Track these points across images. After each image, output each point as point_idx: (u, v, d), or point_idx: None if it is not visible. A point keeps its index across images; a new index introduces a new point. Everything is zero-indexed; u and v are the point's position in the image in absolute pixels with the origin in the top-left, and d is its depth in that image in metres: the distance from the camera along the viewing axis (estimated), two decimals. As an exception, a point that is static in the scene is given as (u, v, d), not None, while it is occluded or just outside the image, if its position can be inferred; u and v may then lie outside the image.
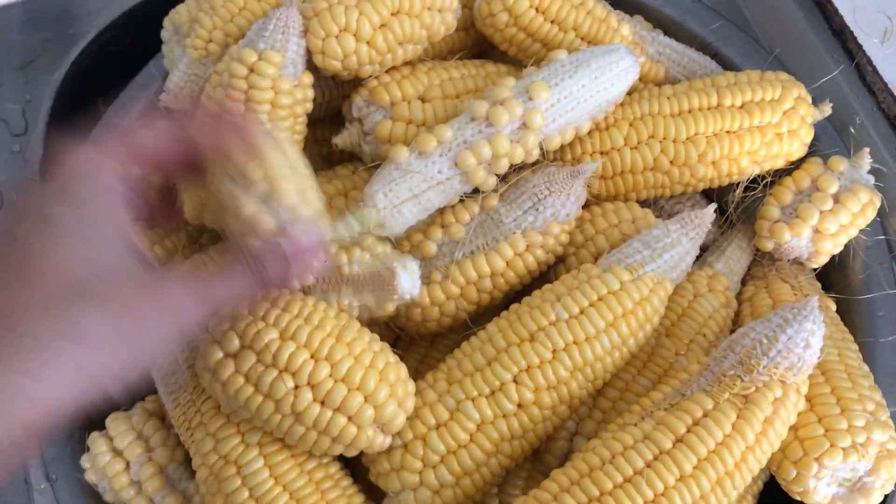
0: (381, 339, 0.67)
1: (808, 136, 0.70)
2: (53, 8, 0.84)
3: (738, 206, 0.71)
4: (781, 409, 0.54)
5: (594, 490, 0.51)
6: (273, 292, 0.57)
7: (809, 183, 0.69)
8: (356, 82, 0.69)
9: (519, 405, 0.57)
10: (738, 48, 0.79)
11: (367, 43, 0.63)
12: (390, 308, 0.61)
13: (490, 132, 0.61)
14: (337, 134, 0.69)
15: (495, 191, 0.64)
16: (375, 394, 0.55)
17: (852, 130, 0.74)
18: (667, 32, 0.80)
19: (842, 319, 0.69)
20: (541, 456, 0.63)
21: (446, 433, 0.56)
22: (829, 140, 0.74)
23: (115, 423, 0.62)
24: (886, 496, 0.58)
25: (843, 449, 0.56)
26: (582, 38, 0.70)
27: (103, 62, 0.84)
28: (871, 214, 0.69)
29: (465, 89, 0.68)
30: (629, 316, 0.59)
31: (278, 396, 0.54)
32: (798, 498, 0.58)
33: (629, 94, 0.69)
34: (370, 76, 0.67)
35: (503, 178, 0.65)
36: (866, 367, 0.63)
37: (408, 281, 0.60)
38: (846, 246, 0.70)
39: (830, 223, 0.68)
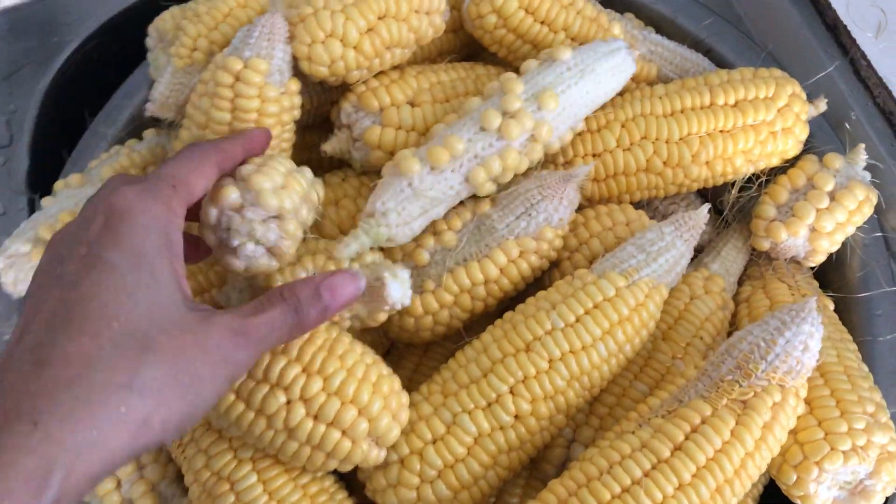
0: (374, 349, 0.67)
1: (802, 133, 0.69)
2: (36, 16, 0.83)
3: (734, 206, 0.70)
4: (780, 413, 0.54)
5: (592, 501, 0.50)
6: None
7: (805, 181, 0.68)
8: (345, 87, 0.68)
9: (516, 416, 0.56)
10: (731, 44, 0.78)
11: (354, 48, 0.62)
12: (382, 318, 0.60)
13: (501, 146, 0.60)
14: (326, 140, 0.68)
15: (487, 196, 0.63)
16: (369, 407, 0.54)
17: (847, 126, 0.73)
18: (658, 29, 0.80)
19: (840, 318, 0.68)
20: (538, 464, 0.62)
21: (443, 447, 0.55)
22: (825, 136, 0.74)
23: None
24: (888, 498, 0.57)
25: (844, 452, 0.56)
26: (573, 39, 0.69)
27: (88, 71, 0.83)
28: (867, 211, 0.68)
29: (455, 93, 0.67)
30: (625, 323, 0.58)
31: (270, 412, 0.53)
32: (799, 502, 0.57)
33: (621, 94, 0.68)
34: (358, 81, 0.66)
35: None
36: (865, 368, 0.62)
37: (399, 290, 0.59)
38: (843, 244, 0.69)
39: (827, 221, 0.67)
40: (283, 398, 0.53)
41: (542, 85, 0.61)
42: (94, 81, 0.80)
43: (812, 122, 0.71)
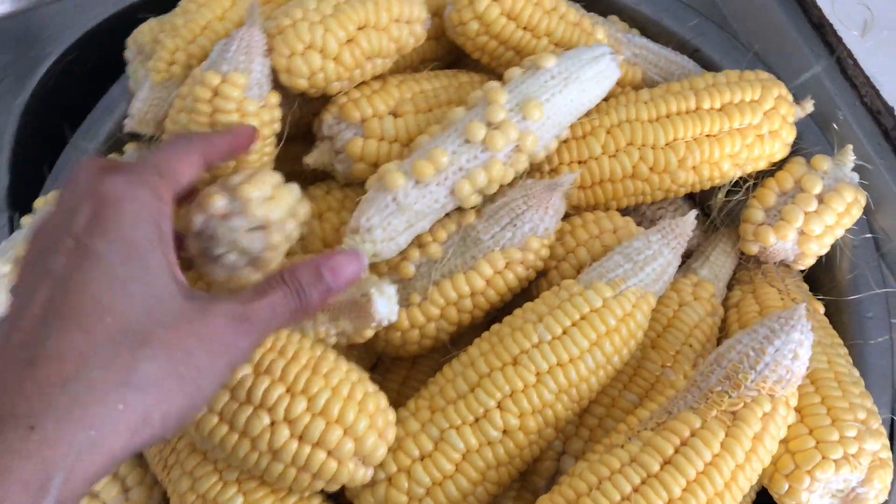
0: (361, 363, 0.67)
1: (790, 136, 0.68)
2: (13, 30, 0.81)
3: (722, 210, 0.70)
4: (771, 424, 0.53)
5: (582, 518, 0.50)
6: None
7: (793, 184, 0.68)
8: (327, 98, 0.67)
9: (504, 431, 0.56)
10: (717, 45, 0.78)
11: (334, 59, 0.62)
12: (368, 334, 0.59)
13: (486, 157, 0.59)
14: (308, 152, 0.68)
15: (472, 207, 0.63)
16: (355, 426, 0.53)
17: (835, 127, 0.72)
18: (643, 31, 0.79)
19: (831, 321, 0.68)
20: (528, 477, 0.61)
21: (431, 465, 0.55)
22: (812, 137, 0.73)
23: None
24: (880, 505, 0.57)
25: (835, 461, 0.55)
26: (556, 44, 0.68)
27: (68, 84, 0.82)
28: (856, 213, 0.67)
29: (438, 102, 0.67)
30: (613, 334, 0.57)
31: (254, 434, 0.52)
32: (791, 511, 0.57)
33: (606, 99, 0.67)
34: (339, 92, 0.65)
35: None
36: (856, 373, 0.62)
37: (385, 306, 0.58)
38: (833, 246, 0.69)
39: (816, 224, 0.66)
40: (266, 419, 0.52)
41: (526, 94, 0.61)
42: (75, 95, 0.78)
43: (799, 123, 0.70)
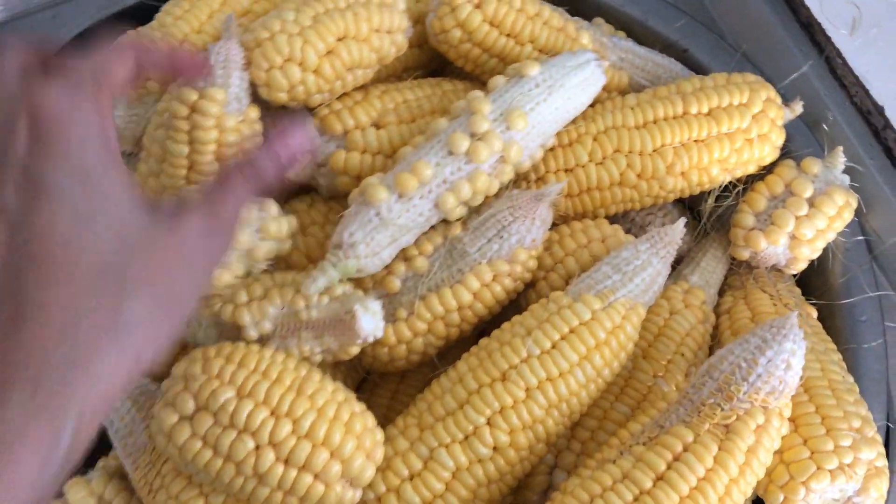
0: (349, 379, 0.66)
1: (779, 139, 0.67)
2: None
3: (712, 215, 0.69)
4: (764, 436, 0.52)
5: (574, 538, 0.49)
6: (226, 348, 0.54)
7: (783, 188, 0.67)
8: (309, 110, 0.65)
9: (494, 448, 0.55)
10: (704, 46, 0.76)
11: (314, 72, 0.60)
12: (354, 351, 0.58)
13: (470, 169, 0.58)
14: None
15: (458, 219, 0.61)
16: (341, 448, 0.52)
17: (825, 127, 0.71)
18: (629, 33, 0.78)
19: (824, 325, 0.67)
20: (520, 492, 0.60)
21: (420, 484, 0.54)
22: (802, 138, 0.72)
23: (73, 489, 0.60)
24: (877, 514, 0.56)
25: (831, 471, 0.54)
26: (540, 51, 0.67)
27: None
28: (847, 216, 0.67)
29: (422, 112, 0.66)
30: (602, 346, 0.56)
31: (239, 458, 0.51)
32: (787, 522, 0.56)
33: (592, 105, 0.66)
34: (320, 105, 0.64)
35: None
36: (850, 379, 0.61)
37: (371, 323, 0.57)
38: (825, 249, 0.68)
39: (807, 229, 0.65)
40: (251, 443, 0.51)
41: (510, 104, 0.60)
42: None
43: (789, 124, 0.69)
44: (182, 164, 0.59)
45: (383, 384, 0.67)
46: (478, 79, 0.70)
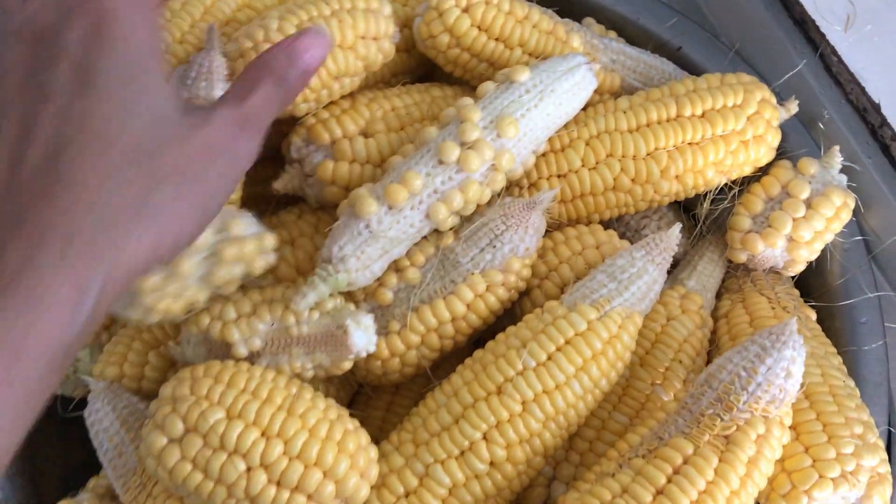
0: (342, 392, 0.64)
1: (774, 140, 0.66)
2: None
3: (707, 218, 0.68)
4: (765, 446, 0.51)
5: (573, 556, 0.48)
6: (215, 367, 0.53)
7: (779, 189, 0.66)
8: (295, 119, 0.64)
9: (491, 464, 0.54)
10: (697, 45, 0.75)
11: (300, 81, 0.59)
12: (346, 366, 0.57)
13: (461, 178, 0.57)
14: (279, 173, 0.65)
15: (450, 229, 0.60)
16: (335, 468, 0.51)
17: (821, 126, 0.70)
18: (620, 32, 0.76)
19: (823, 328, 0.66)
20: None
21: (416, 501, 0.53)
22: (798, 137, 0.71)
23: (63, 512, 0.59)
24: (880, 521, 0.55)
25: (833, 479, 0.54)
26: (530, 54, 0.66)
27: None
28: (845, 217, 0.65)
29: (411, 119, 0.64)
30: (599, 357, 0.55)
31: (230, 481, 0.50)
32: (789, 531, 0.55)
33: (584, 108, 0.65)
34: (307, 114, 0.63)
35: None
36: (851, 383, 0.60)
37: (363, 338, 0.56)
38: (823, 250, 0.67)
39: (804, 230, 0.64)
40: (242, 466, 0.50)
41: (501, 110, 0.58)
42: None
43: (784, 123, 0.68)
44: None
45: (377, 397, 0.66)
46: (467, 83, 0.69)
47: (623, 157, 0.63)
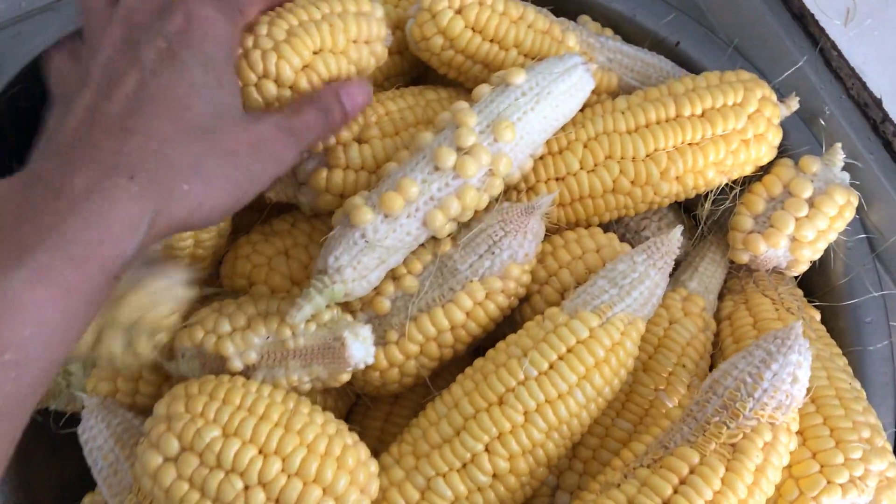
0: (339, 403, 0.63)
1: (776, 138, 0.65)
2: (-50, 65, 0.77)
3: (709, 219, 0.67)
4: (773, 454, 0.50)
5: (580, 570, 0.47)
6: (209, 383, 0.52)
7: (781, 188, 0.65)
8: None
9: (494, 475, 0.53)
10: (695, 41, 0.74)
11: (290, 87, 0.57)
12: (344, 378, 0.56)
13: (458, 185, 0.56)
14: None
15: (448, 236, 0.59)
16: (334, 484, 0.50)
17: (822, 122, 0.69)
18: (617, 29, 0.75)
19: (827, 328, 0.65)
20: (522, 515, 0.58)
21: (418, 516, 0.52)
22: (799, 134, 0.70)
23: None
24: (890, 526, 0.54)
25: (841, 485, 0.53)
26: (526, 55, 0.64)
27: (14, 120, 0.78)
28: (849, 216, 0.64)
29: (406, 124, 0.63)
30: (602, 365, 0.54)
31: (227, 500, 0.49)
32: (797, 538, 0.54)
33: (582, 109, 0.63)
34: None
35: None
36: (858, 385, 0.59)
37: (360, 350, 0.55)
38: (826, 248, 0.66)
39: (807, 230, 0.63)
40: (239, 484, 0.49)
41: (497, 114, 0.57)
42: (22, 131, 0.74)
43: (785, 121, 0.67)
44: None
45: (376, 407, 0.65)
46: (461, 85, 0.68)
47: (622, 158, 0.62)
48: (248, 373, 0.56)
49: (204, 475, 0.49)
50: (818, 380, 0.57)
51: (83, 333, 0.43)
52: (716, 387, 0.52)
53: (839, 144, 0.65)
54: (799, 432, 0.54)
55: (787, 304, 0.64)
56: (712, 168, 0.63)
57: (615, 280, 0.57)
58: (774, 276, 0.67)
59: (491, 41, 0.63)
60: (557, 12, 0.69)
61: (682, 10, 0.75)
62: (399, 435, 0.58)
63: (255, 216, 0.66)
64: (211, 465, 0.50)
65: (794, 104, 0.67)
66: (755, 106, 0.63)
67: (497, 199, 0.60)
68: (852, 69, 0.69)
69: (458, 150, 0.56)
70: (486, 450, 0.53)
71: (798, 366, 0.51)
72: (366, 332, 0.55)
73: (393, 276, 0.59)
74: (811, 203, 0.64)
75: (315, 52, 0.58)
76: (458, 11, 0.62)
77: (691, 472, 0.50)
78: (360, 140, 0.61)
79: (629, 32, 0.75)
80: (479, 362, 0.57)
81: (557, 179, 0.63)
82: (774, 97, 0.65)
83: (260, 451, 0.50)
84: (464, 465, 0.53)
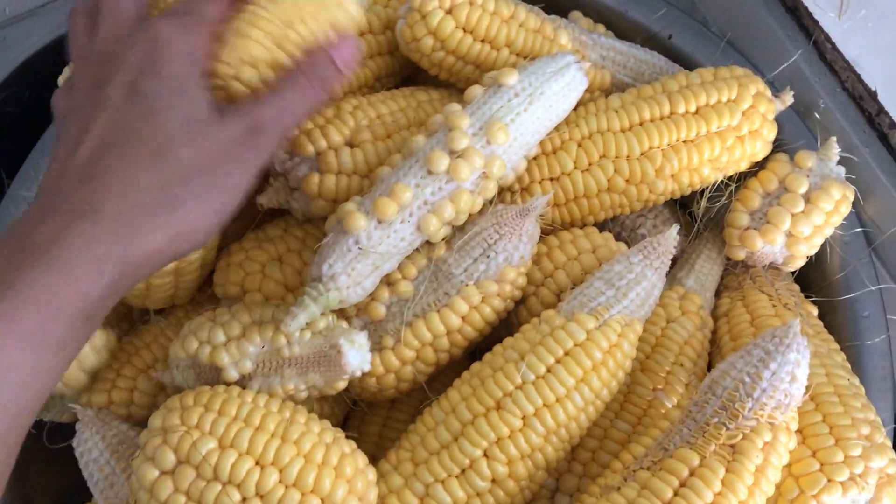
0: (336, 409, 0.63)
1: (771, 134, 0.64)
2: (-64, 72, 0.76)
3: (705, 216, 0.66)
4: (772, 454, 0.50)
5: (580, 576, 0.47)
6: (205, 395, 0.51)
7: (777, 184, 0.64)
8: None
9: (493, 481, 0.53)
10: (687, 36, 0.73)
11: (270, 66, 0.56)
12: (341, 386, 0.56)
13: (452, 188, 0.55)
14: (262, 187, 0.63)
15: (443, 240, 0.59)
16: (332, 494, 0.50)
17: (817, 116, 0.69)
18: (608, 25, 0.74)
19: (824, 323, 0.65)
20: (522, 518, 0.58)
21: (417, 523, 0.52)
22: (793, 128, 0.69)
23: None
24: (891, 522, 0.54)
25: (842, 483, 0.52)
26: (517, 55, 0.64)
27: (3, 125, 0.77)
28: (845, 210, 0.64)
29: (398, 126, 0.62)
30: (600, 367, 0.54)
31: (225, 513, 0.49)
32: (798, 536, 0.54)
33: (575, 108, 0.63)
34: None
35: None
36: (856, 381, 0.59)
37: (357, 357, 0.54)
38: (822, 243, 0.66)
39: (804, 226, 0.63)
40: (237, 496, 0.49)
41: (490, 116, 0.56)
42: (9, 137, 0.73)
43: (779, 115, 0.67)
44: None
45: (373, 413, 0.64)
46: (453, 86, 0.67)
47: (616, 157, 0.61)
48: (243, 382, 0.55)
49: (201, 488, 0.49)
50: (817, 377, 0.57)
51: (57, 377, 0.42)
52: (714, 387, 0.52)
53: (834, 138, 0.65)
54: (798, 431, 0.54)
55: (785, 299, 0.64)
56: (707, 165, 0.63)
57: (612, 281, 0.56)
58: (771, 272, 0.67)
59: (482, 41, 0.63)
60: (549, 9, 0.68)
61: (674, 4, 0.75)
62: (397, 440, 0.57)
63: (247, 222, 0.66)
64: (208, 477, 0.49)
65: (788, 98, 0.67)
66: (749, 102, 0.63)
67: (491, 202, 0.59)
68: (847, 62, 0.69)
69: (452, 153, 0.55)
70: (485, 455, 0.53)
71: (797, 364, 0.51)
72: (362, 338, 0.55)
73: (388, 281, 0.59)
74: (807, 198, 0.63)
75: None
76: (449, 11, 0.61)
77: (691, 474, 0.49)
78: (351, 144, 0.60)
79: (621, 27, 0.74)
80: (476, 367, 0.57)
81: (552, 180, 0.62)
82: (769, 93, 0.64)
83: (257, 463, 0.50)
84: (462, 471, 0.53)
